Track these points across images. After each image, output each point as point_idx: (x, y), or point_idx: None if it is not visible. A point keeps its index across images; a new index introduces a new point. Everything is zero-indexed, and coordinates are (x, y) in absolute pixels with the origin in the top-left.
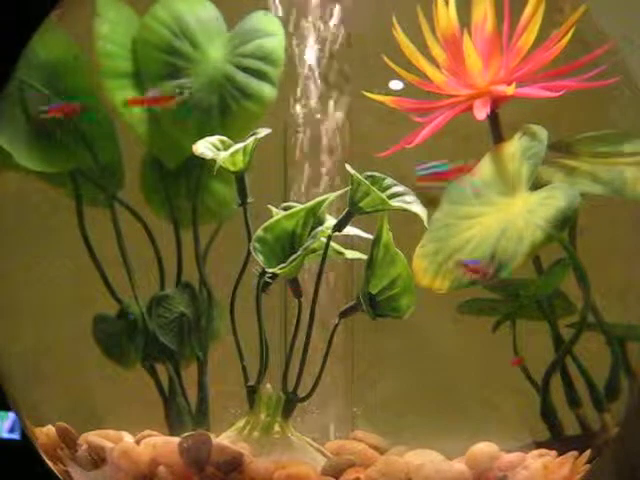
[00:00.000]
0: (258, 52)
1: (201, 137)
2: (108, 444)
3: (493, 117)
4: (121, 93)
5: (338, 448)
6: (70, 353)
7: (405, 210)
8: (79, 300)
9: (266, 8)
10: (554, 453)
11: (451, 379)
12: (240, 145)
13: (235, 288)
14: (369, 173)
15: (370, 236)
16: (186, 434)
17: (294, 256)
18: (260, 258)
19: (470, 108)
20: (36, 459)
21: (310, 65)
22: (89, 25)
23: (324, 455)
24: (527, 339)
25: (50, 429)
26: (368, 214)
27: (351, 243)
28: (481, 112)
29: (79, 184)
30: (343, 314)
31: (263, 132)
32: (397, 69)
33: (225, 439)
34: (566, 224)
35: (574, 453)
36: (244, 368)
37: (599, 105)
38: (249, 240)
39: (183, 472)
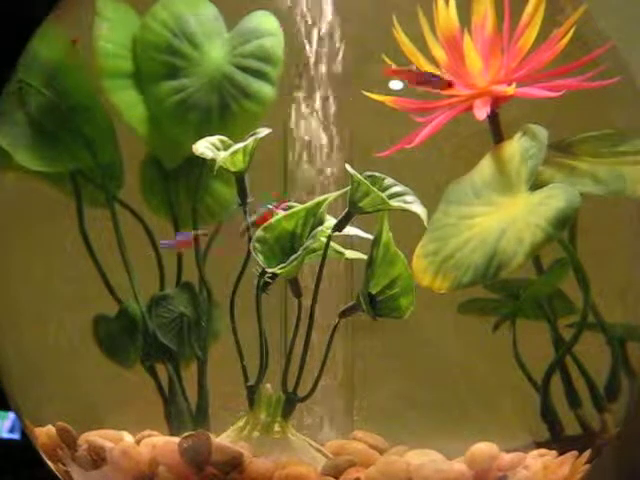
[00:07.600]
0: (258, 52)
1: (201, 137)
2: (108, 444)
3: (493, 117)
4: (121, 93)
5: (338, 448)
6: (70, 353)
7: (405, 210)
8: (79, 300)
9: (267, 8)
10: (554, 453)
11: (451, 379)
12: (240, 145)
13: (235, 288)
14: (369, 173)
15: (370, 236)
16: (186, 434)
17: (294, 256)
18: (260, 258)
19: (470, 108)
20: (36, 459)
21: (310, 64)
22: (89, 25)
23: (324, 455)
24: (527, 339)
25: (50, 429)
26: (368, 214)
27: (351, 243)
28: (481, 112)
29: (79, 184)
30: (343, 314)
31: (263, 132)
32: None
33: (225, 439)
34: (566, 224)
35: (574, 453)
36: (244, 368)
37: (599, 105)
38: (249, 240)
39: (183, 472)
